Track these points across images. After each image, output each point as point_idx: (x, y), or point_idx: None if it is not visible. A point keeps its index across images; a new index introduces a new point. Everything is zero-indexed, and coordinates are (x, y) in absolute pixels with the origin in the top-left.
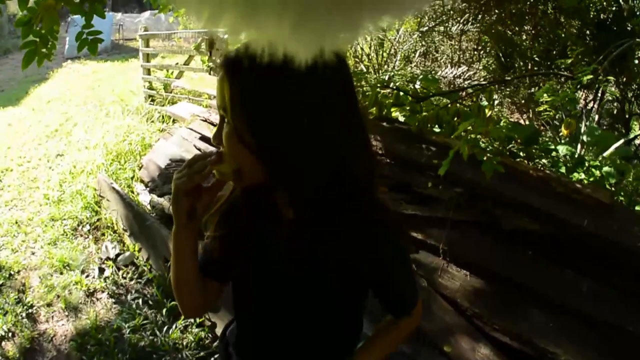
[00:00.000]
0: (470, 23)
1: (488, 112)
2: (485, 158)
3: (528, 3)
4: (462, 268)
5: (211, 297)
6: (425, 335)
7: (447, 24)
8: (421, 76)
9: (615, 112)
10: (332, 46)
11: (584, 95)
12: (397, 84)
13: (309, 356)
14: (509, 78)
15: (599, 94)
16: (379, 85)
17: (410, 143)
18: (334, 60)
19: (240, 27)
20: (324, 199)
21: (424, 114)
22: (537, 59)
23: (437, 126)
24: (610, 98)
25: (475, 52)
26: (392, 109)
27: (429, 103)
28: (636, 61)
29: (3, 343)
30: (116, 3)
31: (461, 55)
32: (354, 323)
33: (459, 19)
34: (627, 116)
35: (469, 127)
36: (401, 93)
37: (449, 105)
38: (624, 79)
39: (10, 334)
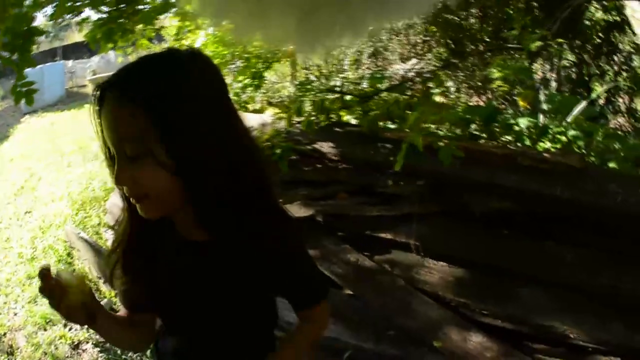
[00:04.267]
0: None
1: (439, 99)
2: (441, 145)
3: None
4: (439, 260)
5: (150, 325)
6: (412, 334)
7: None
8: (368, 76)
9: (574, 76)
10: (336, 45)
11: (540, 65)
12: (345, 88)
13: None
14: (455, 61)
15: (555, 61)
16: (324, 92)
17: (365, 144)
18: (210, 68)
19: (247, 26)
20: (227, 211)
21: (374, 112)
22: (487, 39)
23: (390, 122)
24: (567, 64)
25: (425, 44)
26: (342, 113)
27: (382, 102)
28: (587, 22)
29: None
30: (67, 50)
31: (411, 50)
32: (269, 322)
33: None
34: (586, 78)
35: (420, 117)
36: (347, 96)
37: (400, 100)
38: (579, 42)
39: None
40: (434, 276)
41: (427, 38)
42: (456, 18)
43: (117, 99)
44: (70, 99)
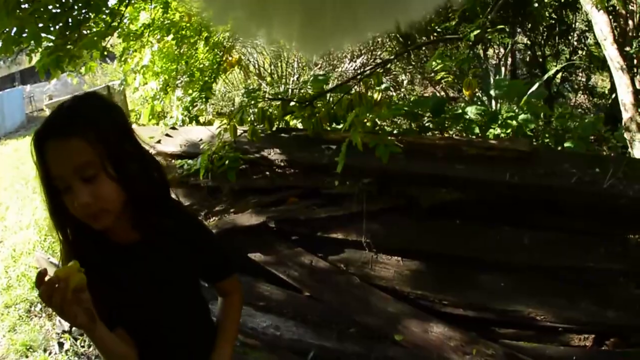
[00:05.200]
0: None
1: (377, 96)
2: (377, 142)
3: None
4: (392, 255)
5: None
6: (372, 330)
7: None
8: (311, 79)
9: (528, 59)
10: (339, 45)
11: (494, 52)
12: (292, 92)
13: (198, 338)
14: (391, 57)
15: (502, 46)
16: (268, 99)
17: (310, 148)
18: (117, 104)
19: (250, 26)
20: (153, 210)
21: (317, 115)
22: (438, 29)
23: (334, 124)
24: (521, 47)
25: (376, 40)
26: (287, 118)
27: (326, 103)
28: (536, 4)
29: None
30: (25, 74)
31: (362, 47)
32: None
33: None
34: (540, 60)
35: (357, 116)
36: (292, 102)
37: (343, 100)
38: (529, 25)
39: None
40: (389, 271)
41: (378, 35)
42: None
43: (66, 137)
44: (30, 124)
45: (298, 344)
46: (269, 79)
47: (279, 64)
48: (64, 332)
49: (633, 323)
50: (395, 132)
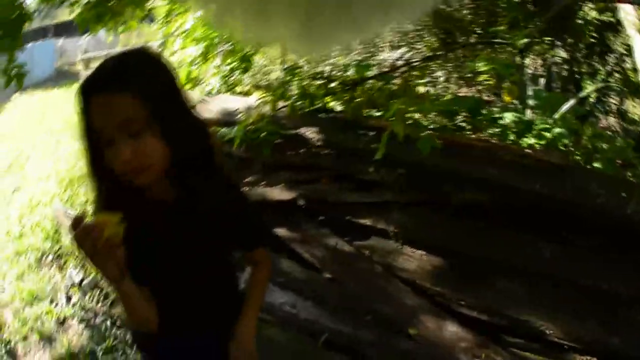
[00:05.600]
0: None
1: (422, 89)
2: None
3: None
4: (417, 249)
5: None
6: (388, 321)
7: None
8: (353, 63)
9: (565, 74)
10: (340, 45)
11: (532, 61)
12: (332, 75)
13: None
14: (439, 53)
15: (547, 57)
16: (309, 77)
17: (348, 131)
18: (167, 61)
19: (251, 26)
20: (197, 169)
21: (358, 100)
22: (479, 31)
23: (374, 110)
24: (559, 60)
25: (416, 33)
26: (327, 100)
27: (367, 89)
28: (580, 21)
29: None
30: (58, 28)
31: (402, 38)
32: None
33: None
34: (577, 77)
35: (401, 107)
36: (332, 83)
37: (384, 89)
38: (571, 41)
39: None
40: (411, 264)
41: (419, 27)
42: (448, 8)
43: (113, 91)
44: (60, 77)
45: (313, 325)
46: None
47: None
48: (73, 285)
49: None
50: (431, 127)
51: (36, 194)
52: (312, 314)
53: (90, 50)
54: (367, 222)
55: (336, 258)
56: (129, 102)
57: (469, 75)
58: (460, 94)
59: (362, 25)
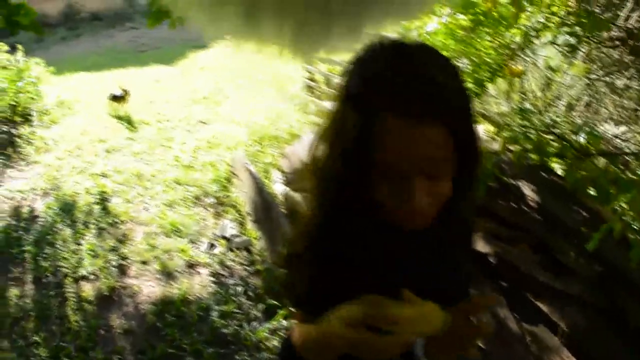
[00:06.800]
0: (633, 78)
1: None
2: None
3: None
4: (576, 357)
5: None
6: None
7: (613, 76)
8: (587, 129)
9: None
10: (331, 52)
11: None
12: (559, 132)
13: None
14: None
15: None
16: (541, 129)
17: (563, 201)
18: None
19: (242, 36)
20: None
21: (583, 172)
22: None
23: (592, 189)
24: None
25: (636, 113)
26: (553, 159)
27: (588, 161)
28: None
29: (82, 283)
30: None
31: (621, 112)
32: None
33: (624, 72)
34: None
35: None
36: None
37: (610, 170)
38: None
39: (92, 277)
40: None
41: None
42: None
43: (429, 120)
44: None
45: None
46: (533, 100)
47: (545, 92)
48: (223, 237)
49: None
50: None
51: (221, 135)
52: None
53: None
54: (543, 306)
55: (497, 330)
56: (441, 137)
57: None
58: None
59: (357, 28)
